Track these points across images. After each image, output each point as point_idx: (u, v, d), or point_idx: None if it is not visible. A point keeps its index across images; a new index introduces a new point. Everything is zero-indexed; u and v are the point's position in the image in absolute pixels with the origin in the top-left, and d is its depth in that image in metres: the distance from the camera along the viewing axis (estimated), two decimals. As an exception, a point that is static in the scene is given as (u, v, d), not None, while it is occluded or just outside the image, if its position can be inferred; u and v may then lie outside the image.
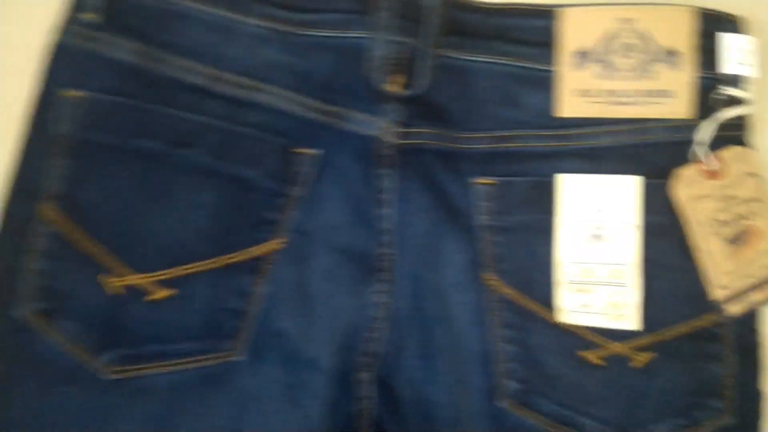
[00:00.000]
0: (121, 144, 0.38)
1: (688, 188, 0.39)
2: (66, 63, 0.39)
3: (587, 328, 0.39)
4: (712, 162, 0.39)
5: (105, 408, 0.38)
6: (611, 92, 0.41)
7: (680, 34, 0.40)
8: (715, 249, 0.39)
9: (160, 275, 0.38)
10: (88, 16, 0.39)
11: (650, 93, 0.40)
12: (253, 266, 0.40)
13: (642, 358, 0.39)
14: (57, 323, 0.37)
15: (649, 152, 0.40)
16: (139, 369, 0.38)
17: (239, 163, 0.40)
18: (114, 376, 0.37)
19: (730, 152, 0.40)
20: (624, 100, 0.41)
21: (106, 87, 0.39)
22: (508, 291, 0.40)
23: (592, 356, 0.39)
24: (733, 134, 0.40)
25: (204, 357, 0.39)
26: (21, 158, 0.39)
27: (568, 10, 0.41)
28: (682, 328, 0.39)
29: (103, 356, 0.37)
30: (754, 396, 0.39)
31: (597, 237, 0.39)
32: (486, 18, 0.41)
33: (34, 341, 0.37)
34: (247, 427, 0.39)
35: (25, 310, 0.37)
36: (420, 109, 0.41)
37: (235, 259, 0.39)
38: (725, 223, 0.39)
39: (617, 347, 0.39)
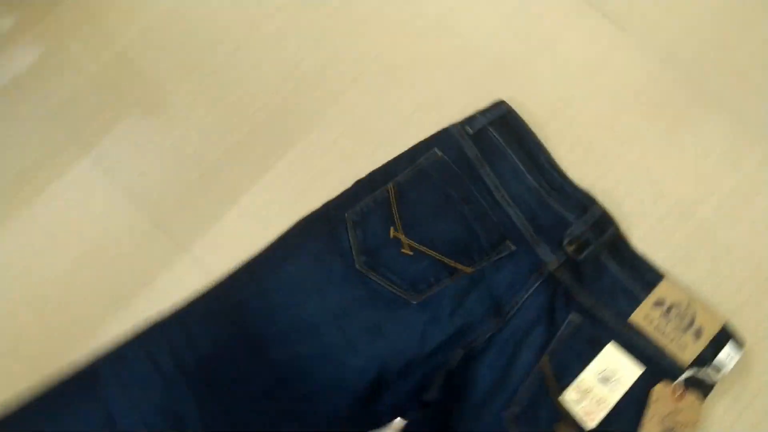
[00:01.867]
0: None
1: (660, 393, 0.75)
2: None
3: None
4: (679, 393, 0.75)
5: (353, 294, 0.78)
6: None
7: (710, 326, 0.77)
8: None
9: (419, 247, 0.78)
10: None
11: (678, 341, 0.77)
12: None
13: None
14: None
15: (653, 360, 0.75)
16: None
17: None
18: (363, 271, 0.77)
19: (692, 395, 0.75)
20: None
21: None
22: None
23: None
24: (701, 382, 0.75)
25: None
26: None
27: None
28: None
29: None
30: None
31: (605, 380, 0.76)
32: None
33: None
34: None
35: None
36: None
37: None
38: (664, 423, 0.75)
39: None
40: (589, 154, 0.86)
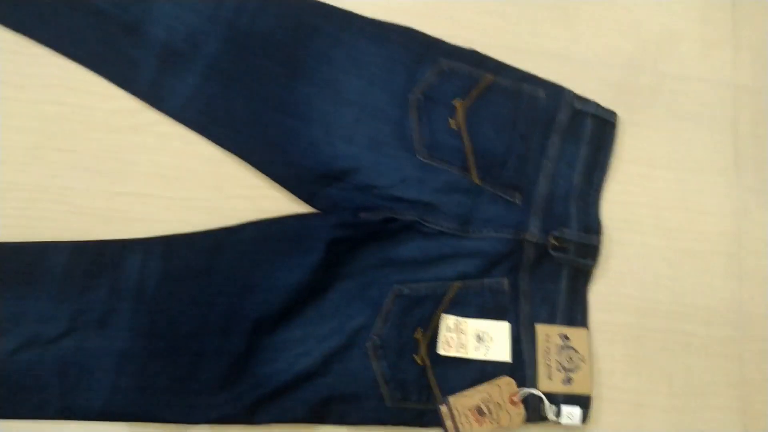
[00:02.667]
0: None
1: (505, 382, 0.80)
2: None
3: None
4: (516, 398, 0.80)
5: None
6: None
7: (581, 387, 0.82)
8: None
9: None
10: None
11: (551, 371, 0.82)
12: None
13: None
14: None
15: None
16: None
17: None
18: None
19: (521, 410, 0.80)
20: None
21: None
22: None
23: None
24: (537, 408, 0.79)
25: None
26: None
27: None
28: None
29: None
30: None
31: (479, 338, 0.81)
32: None
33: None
34: None
35: None
36: None
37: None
38: (485, 404, 0.79)
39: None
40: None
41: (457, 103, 0.83)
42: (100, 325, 0.74)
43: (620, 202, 0.89)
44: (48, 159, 0.77)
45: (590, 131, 0.87)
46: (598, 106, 0.88)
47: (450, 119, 0.83)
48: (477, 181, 0.83)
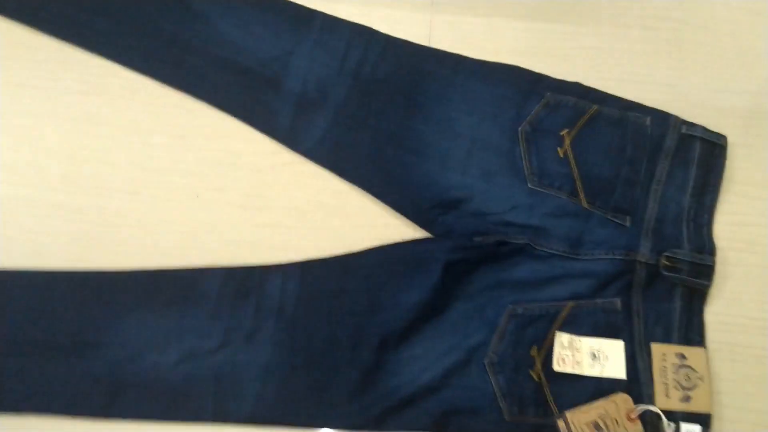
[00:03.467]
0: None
1: (621, 399, 0.82)
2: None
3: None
4: (634, 416, 0.81)
5: None
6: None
7: (701, 405, 0.82)
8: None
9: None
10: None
11: (668, 390, 0.83)
12: None
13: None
14: None
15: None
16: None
17: None
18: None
19: (640, 427, 0.81)
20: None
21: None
22: None
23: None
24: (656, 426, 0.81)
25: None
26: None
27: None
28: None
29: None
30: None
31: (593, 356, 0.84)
32: None
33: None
34: None
35: None
36: None
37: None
38: (602, 419, 0.82)
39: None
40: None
41: (564, 133, 0.89)
42: (248, 341, 0.84)
43: (736, 223, 0.90)
44: (205, 198, 0.90)
45: (699, 154, 0.89)
46: (705, 129, 0.90)
47: (558, 148, 0.88)
48: (586, 205, 0.87)
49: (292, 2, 0.97)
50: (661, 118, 0.91)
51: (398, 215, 0.90)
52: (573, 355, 0.83)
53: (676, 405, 0.82)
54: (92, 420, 0.82)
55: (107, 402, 0.82)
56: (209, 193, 0.90)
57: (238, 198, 0.90)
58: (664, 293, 0.85)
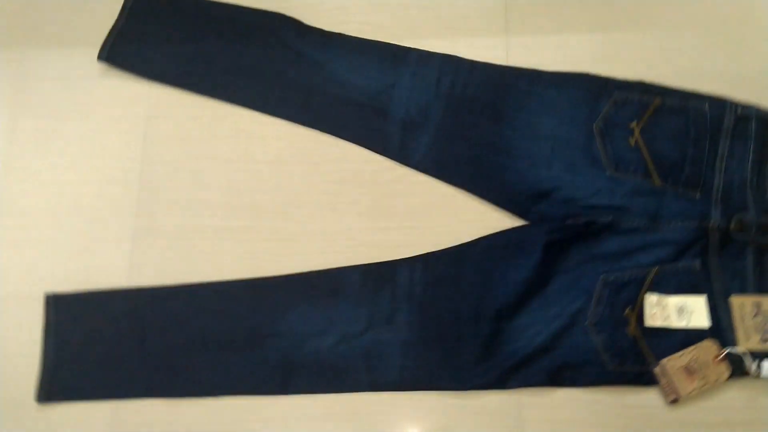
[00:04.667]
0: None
1: (708, 344, 0.97)
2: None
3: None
4: (720, 357, 0.96)
5: None
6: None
7: None
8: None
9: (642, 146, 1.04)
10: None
11: (749, 333, 0.97)
12: None
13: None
14: None
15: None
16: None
17: None
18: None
19: (725, 367, 0.95)
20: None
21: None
22: None
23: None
24: (739, 364, 0.95)
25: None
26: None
27: None
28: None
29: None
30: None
31: (680, 311, 0.99)
32: None
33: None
34: None
35: None
36: None
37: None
38: (692, 364, 0.96)
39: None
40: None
41: (633, 125, 1.04)
42: (388, 323, 1.03)
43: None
44: (339, 210, 1.10)
45: (755, 131, 1.02)
46: (758, 109, 1.03)
47: (629, 138, 1.04)
48: (659, 183, 1.02)
49: (389, 43, 1.16)
50: (718, 102, 1.04)
51: (498, 209, 1.06)
52: (662, 312, 0.98)
53: (756, 345, 0.96)
54: (272, 397, 1.01)
55: (283, 382, 1.01)
56: (342, 206, 1.10)
57: (365, 208, 1.09)
58: (736, 252, 0.99)
